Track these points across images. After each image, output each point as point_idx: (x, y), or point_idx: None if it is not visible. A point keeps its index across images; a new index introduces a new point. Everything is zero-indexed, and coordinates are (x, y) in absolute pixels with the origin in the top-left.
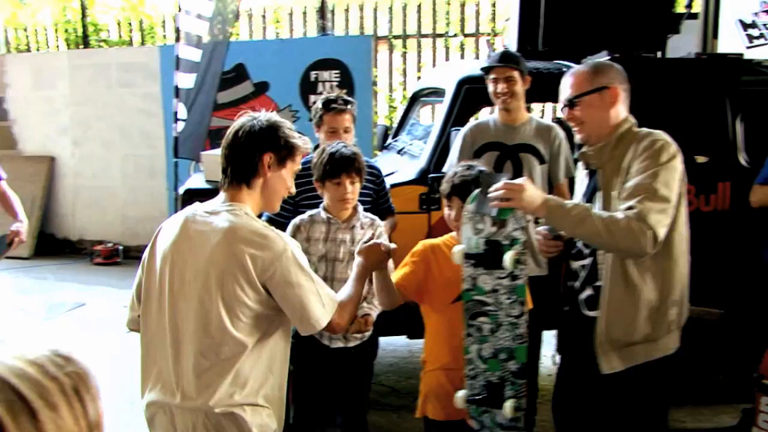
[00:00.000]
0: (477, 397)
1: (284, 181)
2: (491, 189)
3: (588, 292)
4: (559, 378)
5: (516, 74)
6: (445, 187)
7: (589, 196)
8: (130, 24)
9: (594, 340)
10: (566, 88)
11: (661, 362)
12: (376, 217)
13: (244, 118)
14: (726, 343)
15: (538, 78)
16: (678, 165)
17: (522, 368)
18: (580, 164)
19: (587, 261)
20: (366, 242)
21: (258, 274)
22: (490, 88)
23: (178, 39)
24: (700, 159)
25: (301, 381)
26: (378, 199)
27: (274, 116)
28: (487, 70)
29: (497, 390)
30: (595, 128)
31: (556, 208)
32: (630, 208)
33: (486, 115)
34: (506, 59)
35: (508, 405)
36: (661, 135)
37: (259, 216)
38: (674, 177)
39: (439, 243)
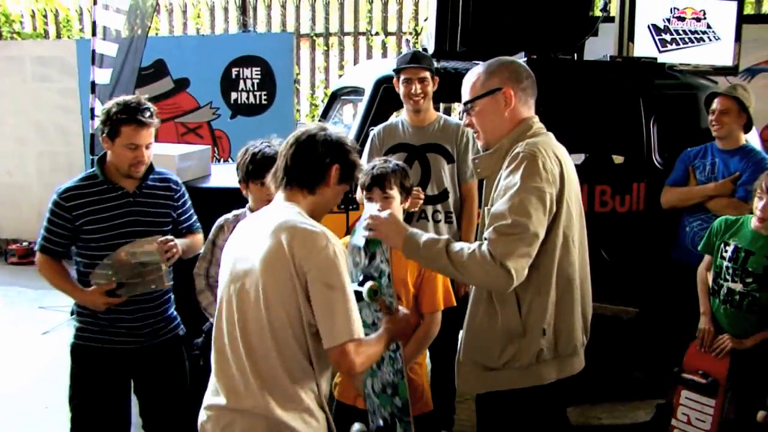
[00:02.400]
0: None
1: (338, 197)
2: (360, 219)
3: None
4: None
5: (428, 75)
6: (364, 179)
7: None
8: (44, 16)
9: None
10: (463, 92)
11: (533, 391)
12: None
13: (312, 125)
14: (642, 340)
15: (456, 79)
16: (544, 185)
17: (405, 404)
18: None
19: None
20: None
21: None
22: (402, 89)
23: (94, 33)
24: (617, 159)
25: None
26: (178, 218)
27: (342, 132)
28: (398, 70)
29: (390, 430)
30: (492, 133)
31: (412, 244)
32: (487, 238)
33: (394, 117)
34: (419, 60)
35: None
36: (535, 146)
37: None
38: (535, 199)
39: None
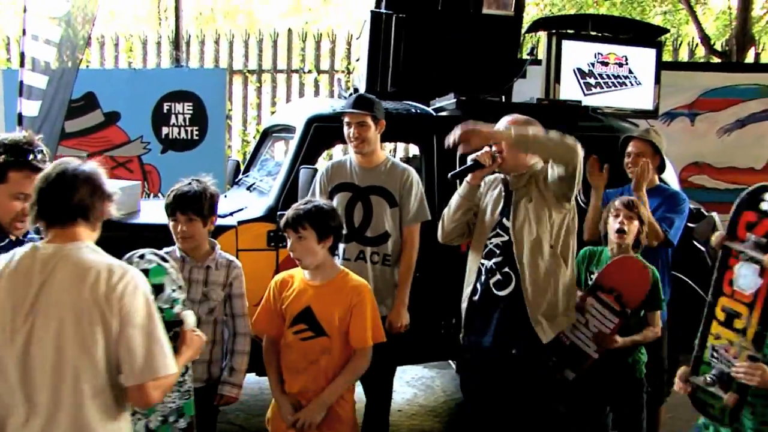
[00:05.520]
0: None
1: None
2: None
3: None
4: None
5: (369, 120)
6: (282, 220)
7: None
8: None
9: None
10: None
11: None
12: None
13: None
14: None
15: (386, 118)
16: None
17: (191, 424)
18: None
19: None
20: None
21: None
22: (345, 130)
23: (22, 64)
24: None
25: None
26: None
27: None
28: (340, 114)
29: None
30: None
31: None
32: None
33: (347, 155)
34: (359, 105)
35: None
36: None
37: None
38: None
39: (285, 274)
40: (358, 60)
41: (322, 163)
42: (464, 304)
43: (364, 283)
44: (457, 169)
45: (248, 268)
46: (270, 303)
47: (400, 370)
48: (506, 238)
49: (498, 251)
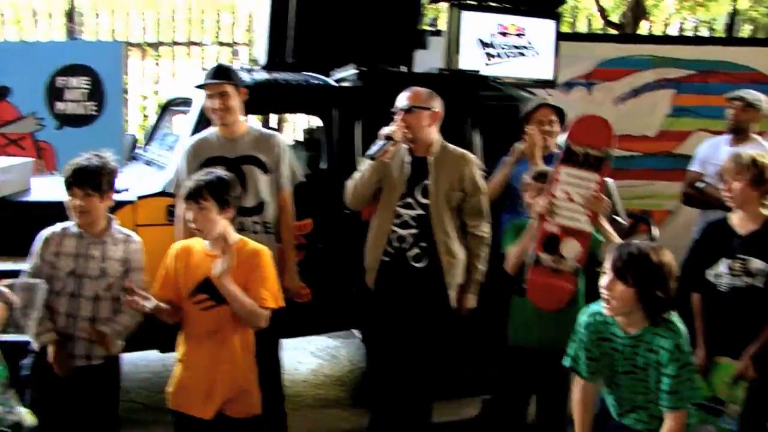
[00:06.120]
0: None
1: None
2: None
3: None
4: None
5: (230, 89)
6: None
7: None
8: None
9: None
10: None
11: None
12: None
13: None
14: (471, 340)
15: (287, 90)
16: None
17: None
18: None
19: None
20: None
21: None
22: (207, 103)
23: None
24: None
25: (42, 404)
26: None
27: None
28: (201, 86)
29: None
30: None
31: None
32: None
33: (209, 129)
34: (218, 75)
35: None
36: None
37: None
38: None
39: (183, 243)
40: (257, 32)
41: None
42: (372, 265)
43: (262, 248)
44: (374, 149)
45: (148, 244)
46: (169, 273)
47: (304, 340)
48: (422, 212)
49: (414, 224)
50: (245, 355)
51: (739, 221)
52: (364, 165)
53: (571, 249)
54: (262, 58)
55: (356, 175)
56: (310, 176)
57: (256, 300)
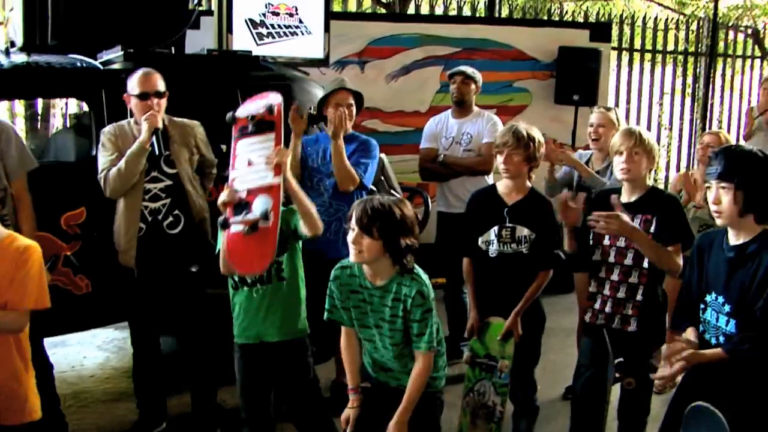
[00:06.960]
0: None
1: None
2: None
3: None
4: None
5: None
6: None
7: None
8: None
9: None
10: None
11: None
12: None
13: None
14: None
15: (49, 73)
16: None
17: None
18: None
19: None
20: None
21: None
22: None
23: None
24: (224, 149)
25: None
26: None
27: None
28: None
29: None
30: None
31: None
32: None
33: None
34: None
35: None
36: None
37: None
38: None
39: None
40: (12, 10)
41: None
42: (130, 245)
43: (33, 245)
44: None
45: None
46: None
47: (89, 334)
48: (170, 182)
49: (164, 195)
50: (11, 359)
51: (507, 190)
52: (110, 155)
53: (261, 204)
54: (19, 38)
55: (107, 166)
56: (80, 163)
57: (16, 302)
